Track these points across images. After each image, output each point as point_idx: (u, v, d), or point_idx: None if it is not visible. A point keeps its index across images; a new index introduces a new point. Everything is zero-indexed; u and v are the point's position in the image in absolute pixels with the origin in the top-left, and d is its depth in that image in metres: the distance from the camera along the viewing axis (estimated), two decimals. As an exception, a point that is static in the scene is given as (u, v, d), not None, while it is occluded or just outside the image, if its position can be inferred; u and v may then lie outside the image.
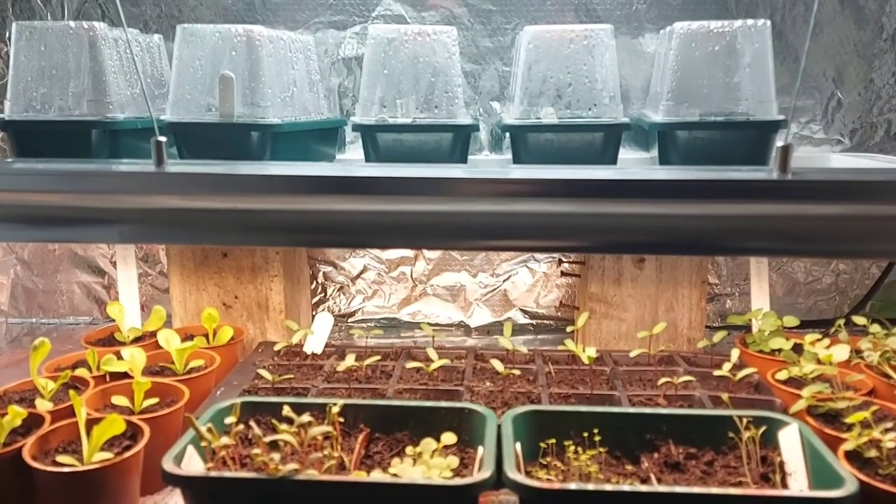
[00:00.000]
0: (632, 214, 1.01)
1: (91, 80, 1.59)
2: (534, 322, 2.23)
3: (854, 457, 1.12)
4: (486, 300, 2.23)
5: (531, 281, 2.20)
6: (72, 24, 1.58)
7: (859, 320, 1.62)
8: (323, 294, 2.25)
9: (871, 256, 1.89)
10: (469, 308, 2.23)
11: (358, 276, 2.23)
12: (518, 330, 2.19)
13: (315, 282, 2.24)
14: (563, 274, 2.10)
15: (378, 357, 1.56)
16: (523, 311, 2.23)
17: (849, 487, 0.97)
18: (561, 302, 2.18)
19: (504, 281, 2.21)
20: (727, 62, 1.55)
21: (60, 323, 2.30)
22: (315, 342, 1.69)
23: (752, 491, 1.04)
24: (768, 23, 1.55)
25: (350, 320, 2.25)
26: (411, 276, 2.22)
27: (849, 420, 1.19)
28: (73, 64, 1.58)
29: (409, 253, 2.20)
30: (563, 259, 2.05)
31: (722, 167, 1.21)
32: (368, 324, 2.24)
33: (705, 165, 1.55)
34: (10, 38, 1.61)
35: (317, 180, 1.09)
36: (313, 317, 2.14)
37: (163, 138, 1.09)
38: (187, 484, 1.03)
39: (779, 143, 1.02)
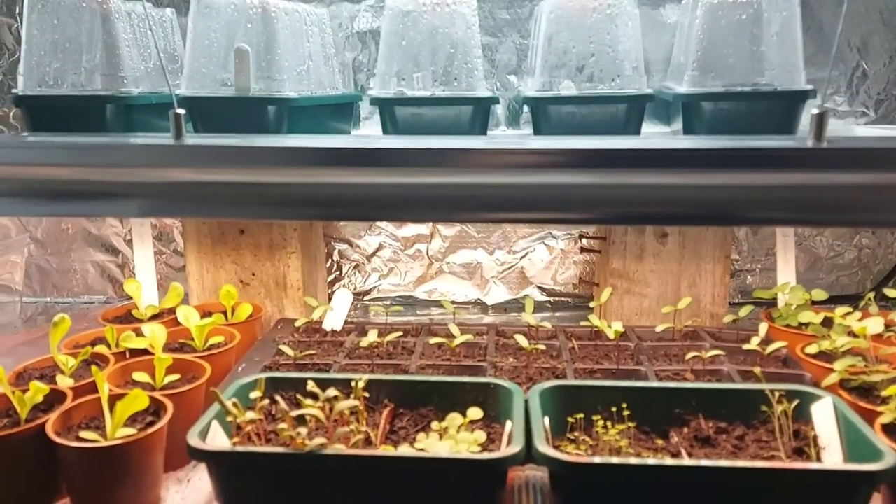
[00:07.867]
0: (667, 185, 0.98)
1: (105, 55, 1.56)
2: (551, 299, 2.21)
3: (891, 430, 1.10)
4: (503, 277, 2.20)
5: (548, 258, 2.18)
6: (85, -4, 1.55)
7: (890, 293, 1.59)
8: (339, 272, 2.23)
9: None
10: (486, 286, 2.21)
11: (373, 253, 2.21)
12: (535, 307, 2.16)
13: (330, 260, 2.22)
14: (582, 250, 2.07)
15: (400, 333, 1.54)
16: (540, 289, 2.20)
17: (888, 460, 0.95)
18: (581, 278, 2.15)
19: (521, 258, 2.19)
20: (754, 31, 1.51)
21: (75, 302, 2.29)
22: (335, 319, 1.67)
23: (791, 464, 1.02)
24: (796, -10, 1.51)
25: (366, 298, 2.24)
26: (427, 254, 2.20)
27: (884, 393, 1.16)
28: (86, 38, 1.55)
29: (424, 230, 2.18)
30: (584, 234, 2.02)
31: (754, 136, 1.18)
32: (384, 302, 2.22)
33: (732, 135, 1.52)
34: (20, 14, 1.58)
35: (337, 152, 1.07)
36: (329, 294, 2.13)
37: (181, 111, 1.07)
38: (213, 459, 1.02)
39: (814, 110, 0.99)
